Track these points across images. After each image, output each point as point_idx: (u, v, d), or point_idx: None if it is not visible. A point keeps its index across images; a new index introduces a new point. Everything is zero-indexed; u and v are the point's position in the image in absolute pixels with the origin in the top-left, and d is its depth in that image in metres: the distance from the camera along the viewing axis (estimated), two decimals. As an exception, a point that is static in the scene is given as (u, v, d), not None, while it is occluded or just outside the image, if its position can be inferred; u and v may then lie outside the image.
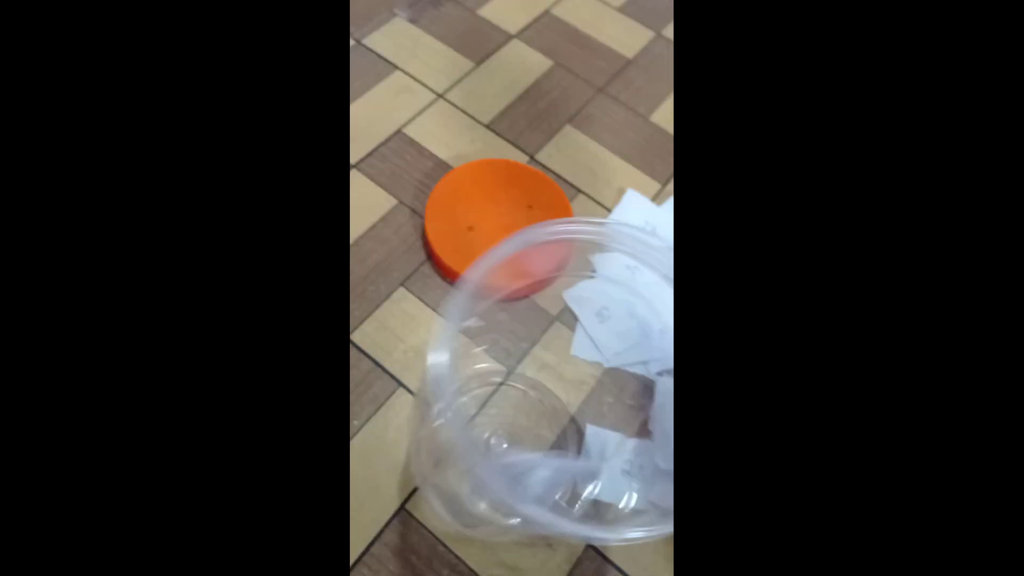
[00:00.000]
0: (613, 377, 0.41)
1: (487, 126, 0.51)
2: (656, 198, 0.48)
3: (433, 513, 0.35)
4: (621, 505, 0.37)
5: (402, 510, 0.36)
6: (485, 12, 0.57)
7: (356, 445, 0.37)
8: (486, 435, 0.38)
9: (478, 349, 0.41)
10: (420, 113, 0.51)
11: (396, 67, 0.53)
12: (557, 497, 0.36)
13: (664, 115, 0.53)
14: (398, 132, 0.50)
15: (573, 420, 0.39)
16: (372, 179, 0.47)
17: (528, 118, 0.52)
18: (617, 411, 0.40)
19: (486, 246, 0.42)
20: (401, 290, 0.43)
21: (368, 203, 0.46)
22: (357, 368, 0.40)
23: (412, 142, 0.49)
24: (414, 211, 0.46)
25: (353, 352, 0.40)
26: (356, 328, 0.41)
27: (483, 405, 0.39)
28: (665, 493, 0.37)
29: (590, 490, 0.37)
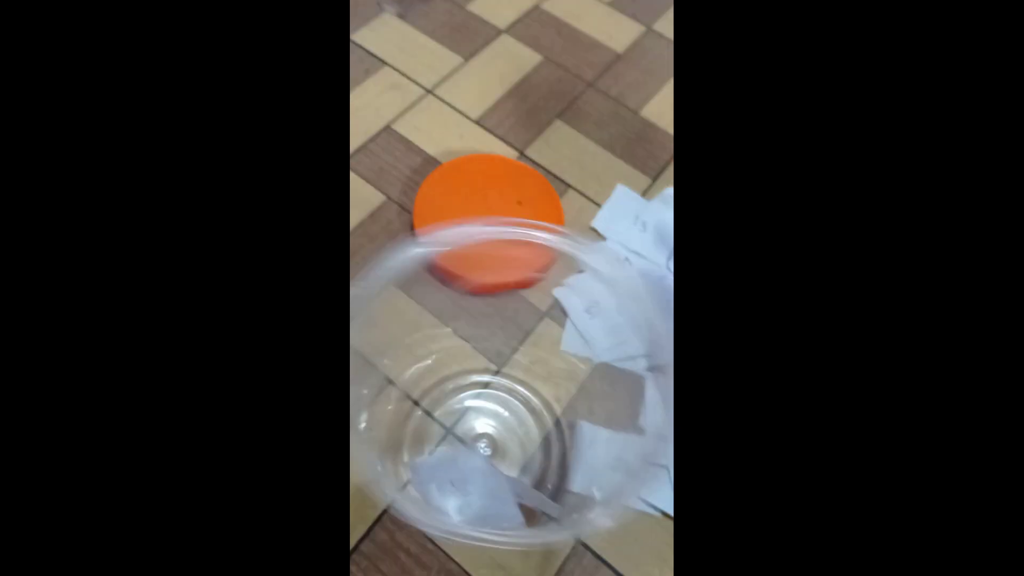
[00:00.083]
0: (603, 373, 0.41)
1: (476, 121, 0.51)
2: (646, 193, 0.48)
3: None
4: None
5: (391, 507, 0.36)
6: (474, 7, 0.57)
7: (345, 443, 0.37)
8: (472, 436, 0.38)
9: (467, 347, 0.41)
10: (408, 109, 0.51)
11: (384, 63, 0.53)
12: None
13: (654, 109, 0.52)
14: (386, 128, 0.49)
15: (560, 418, 0.39)
16: (360, 175, 0.47)
17: (517, 113, 0.51)
18: (607, 407, 0.39)
19: (477, 244, 0.42)
20: (391, 288, 0.43)
21: (356, 199, 0.46)
22: (346, 366, 0.39)
23: (401, 138, 0.49)
24: (402, 207, 0.46)
25: (341, 350, 0.40)
26: (344, 326, 0.41)
27: (468, 407, 0.39)
28: (655, 490, 0.36)
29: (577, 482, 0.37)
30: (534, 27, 0.56)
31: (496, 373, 0.40)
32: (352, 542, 0.35)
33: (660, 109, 0.52)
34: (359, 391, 0.32)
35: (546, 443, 0.38)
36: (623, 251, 0.45)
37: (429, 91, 0.52)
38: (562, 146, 0.50)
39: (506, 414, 0.39)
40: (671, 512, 0.36)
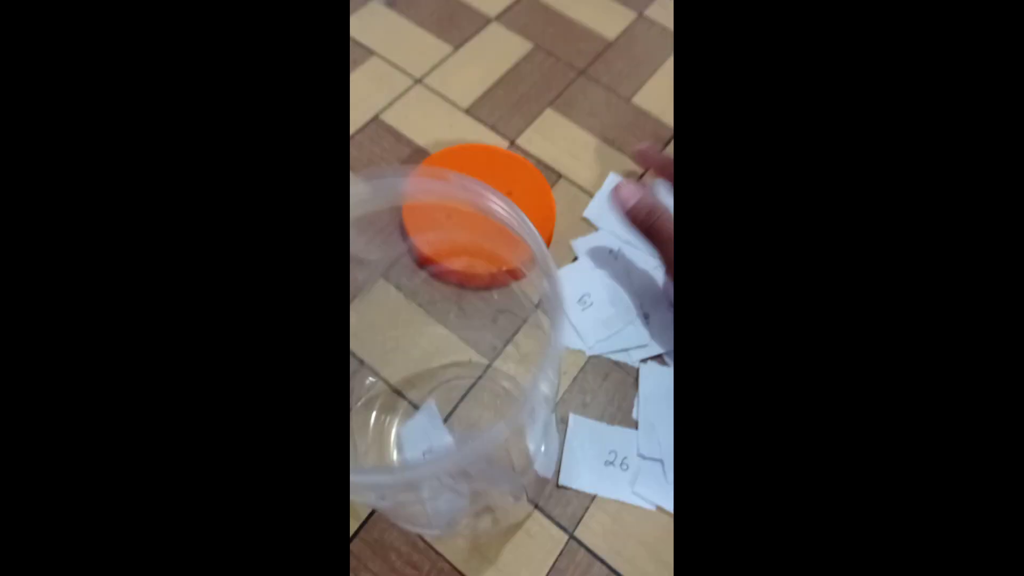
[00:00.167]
0: (596, 366, 0.40)
1: (466, 111, 0.50)
2: (639, 181, 0.47)
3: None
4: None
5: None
6: (463, -5, 0.56)
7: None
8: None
9: (458, 340, 0.40)
10: (397, 99, 0.50)
11: (373, 52, 0.52)
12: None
13: (646, 97, 0.52)
14: (375, 119, 0.49)
15: (553, 412, 0.38)
16: (349, 167, 0.46)
17: (508, 103, 0.50)
18: (600, 400, 0.39)
19: (466, 234, 0.41)
20: (380, 280, 0.42)
21: (344, 192, 0.45)
22: (334, 362, 0.39)
23: (390, 129, 0.48)
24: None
25: (329, 345, 0.39)
26: (332, 321, 0.40)
27: (460, 400, 0.38)
28: (649, 483, 0.36)
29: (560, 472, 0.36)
30: (524, 15, 0.55)
31: (488, 366, 0.39)
32: (341, 541, 0.34)
33: (653, 97, 0.52)
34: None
35: (543, 440, 0.37)
36: (615, 241, 0.44)
37: (418, 81, 0.51)
38: (553, 135, 0.49)
39: (495, 409, 0.38)
40: (665, 506, 0.35)
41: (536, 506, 0.36)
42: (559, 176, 0.47)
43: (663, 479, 0.36)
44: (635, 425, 0.38)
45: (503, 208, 0.28)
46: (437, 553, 0.34)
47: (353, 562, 0.34)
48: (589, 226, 0.45)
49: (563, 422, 0.38)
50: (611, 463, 0.37)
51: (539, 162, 0.48)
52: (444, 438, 0.36)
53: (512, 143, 0.49)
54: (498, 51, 0.53)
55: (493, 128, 0.49)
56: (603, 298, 0.42)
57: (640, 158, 0.46)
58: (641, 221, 0.39)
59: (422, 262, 0.42)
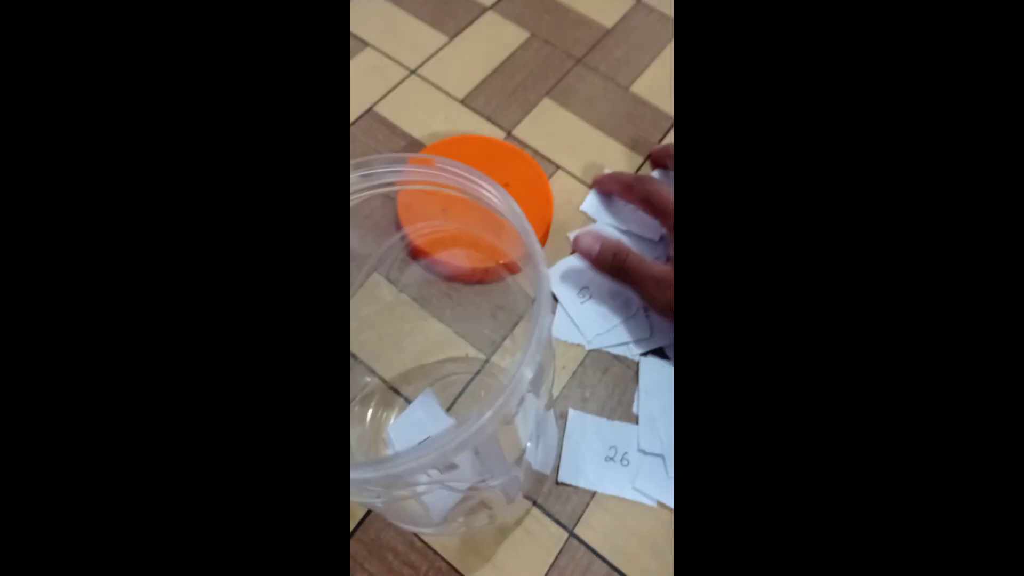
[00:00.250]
0: (595, 360, 0.39)
1: (462, 102, 0.49)
2: (638, 171, 0.47)
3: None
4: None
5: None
6: (458, -17, 0.55)
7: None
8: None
9: (455, 335, 0.39)
10: (392, 91, 0.49)
11: (367, 44, 0.51)
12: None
13: (645, 85, 0.51)
14: (369, 111, 0.48)
15: (552, 407, 0.38)
16: (342, 161, 0.45)
17: (504, 93, 0.50)
18: (600, 395, 0.38)
19: (462, 228, 0.41)
20: (375, 276, 0.41)
21: (338, 186, 0.44)
22: (328, 359, 0.38)
23: (384, 121, 0.47)
24: (386, 195, 0.44)
25: (324, 342, 0.39)
26: (327, 317, 0.40)
27: (458, 396, 0.38)
28: (651, 479, 0.35)
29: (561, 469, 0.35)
30: (520, 3, 0.54)
31: (486, 362, 0.39)
32: (337, 541, 0.34)
33: (651, 85, 0.51)
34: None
35: (537, 433, 0.37)
36: (615, 232, 0.43)
37: (413, 71, 0.50)
38: (551, 126, 0.48)
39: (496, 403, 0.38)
40: (667, 501, 0.35)
41: (535, 503, 0.35)
42: (557, 167, 0.46)
43: (664, 474, 0.35)
44: (636, 420, 0.37)
45: (488, 190, 0.27)
46: (435, 552, 0.33)
47: (350, 563, 0.33)
48: (588, 219, 0.44)
49: (562, 417, 0.37)
50: (611, 459, 0.36)
51: (536, 153, 0.47)
52: (446, 425, 0.36)
53: (509, 134, 0.48)
54: (494, 40, 0.52)
55: (489, 119, 0.48)
56: (602, 291, 0.41)
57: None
58: (610, 266, 0.39)
59: (416, 255, 0.42)
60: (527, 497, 0.35)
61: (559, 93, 0.50)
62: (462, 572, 0.33)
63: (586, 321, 0.40)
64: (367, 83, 0.49)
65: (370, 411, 0.37)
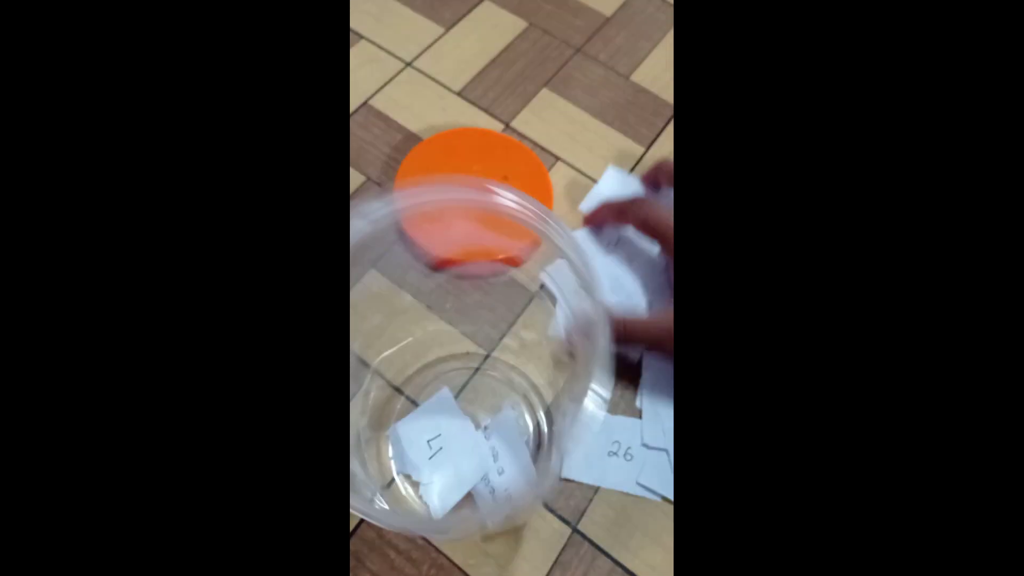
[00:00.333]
0: (597, 354, 0.39)
1: (458, 94, 0.48)
2: (639, 162, 0.46)
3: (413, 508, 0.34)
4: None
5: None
6: (454, -27, 0.54)
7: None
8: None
9: (454, 331, 0.39)
10: (387, 83, 0.48)
11: (361, 36, 0.51)
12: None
13: (645, 73, 0.50)
14: (364, 104, 0.47)
15: (552, 403, 0.37)
16: (338, 156, 0.45)
17: (502, 83, 0.49)
18: (602, 389, 0.38)
19: (461, 223, 0.40)
20: (372, 272, 0.41)
21: (335, 181, 0.44)
22: (328, 356, 0.38)
23: (379, 114, 0.47)
24: (383, 188, 0.44)
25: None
26: (325, 314, 0.39)
27: (460, 391, 0.37)
28: (654, 474, 0.35)
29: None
30: (518, -8, 0.54)
31: (485, 358, 0.38)
32: (339, 540, 0.33)
33: (652, 73, 0.50)
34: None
35: (538, 429, 0.36)
36: (614, 234, 0.43)
37: (408, 64, 0.49)
38: (550, 116, 0.48)
39: (496, 399, 0.37)
40: (671, 496, 0.34)
41: (537, 500, 0.35)
42: (556, 159, 0.46)
43: (669, 469, 0.35)
44: (639, 414, 0.37)
45: (515, 203, 0.27)
46: (437, 550, 0.33)
47: (352, 561, 0.33)
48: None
49: (563, 413, 0.37)
50: (614, 453, 0.36)
51: (535, 145, 0.46)
52: (462, 422, 0.35)
53: (507, 126, 0.47)
54: (490, 30, 0.51)
55: (487, 111, 0.48)
56: (604, 287, 0.40)
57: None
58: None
59: (415, 252, 0.41)
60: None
61: (558, 83, 0.49)
62: (464, 569, 0.33)
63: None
64: (362, 76, 0.48)
65: (369, 409, 0.37)
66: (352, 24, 0.51)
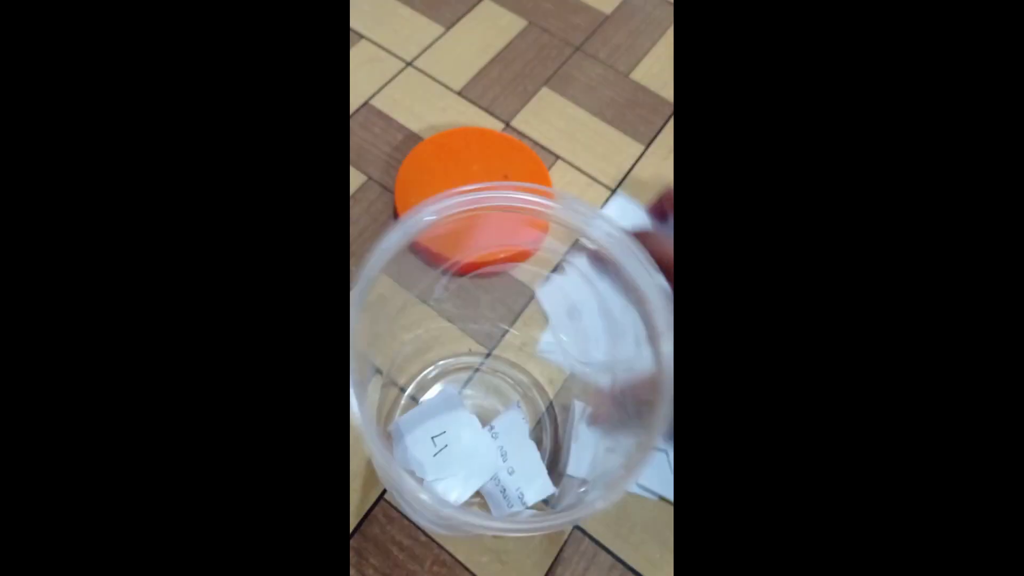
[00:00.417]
0: (598, 351, 0.39)
1: (459, 93, 0.48)
2: (639, 161, 0.46)
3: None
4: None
5: (382, 500, 0.35)
6: (453, -28, 0.54)
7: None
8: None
9: (455, 329, 0.39)
10: (388, 83, 0.49)
11: (362, 36, 0.51)
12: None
13: (645, 72, 0.50)
14: (365, 104, 0.47)
15: (553, 400, 0.38)
16: (340, 156, 0.45)
17: (502, 83, 0.49)
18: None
19: (460, 220, 0.40)
20: (376, 271, 0.41)
21: (336, 181, 0.44)
22: (330, 355, 0.38)
23: (380, 114, 0.47)
24: (384, 187, 0.44)
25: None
26: (328, 313, 0.40)
27: (462, 388, 0.38)
28: (653, 474, 0.35)
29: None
30: (517, -10, 0.54)
31: (487, 356, 0.39)
32: (342, 536, 0.34)
33: (652, 71, 0.50)
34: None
35: (539, 426, 0.37)
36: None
37: (409, 63, 0.50)
38: (550, 115, 0.48)
39: (498, 398, 0.38)
40: (668, 496, 0.35)
41: (538, 496, 0.35)
42: (556, 158, 0.46)
43: (668, 469, 0.35)
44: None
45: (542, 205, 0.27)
46: (439, 546, 0.34)
47: (355, 558, 0.33)
48: (588, 208, 0.44)
49: (564, 409, 0.37)
50: (612, 450, 0.36)
51: (535, 144, 0.47)
52: (468, 420, 0.36)
53: (507, 125, 0.47)
54: (490, 29, 0.52)
55: (487, 110, 0.48)
56: (593, 310, 0.40)
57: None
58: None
59: (416, 249, 0.41)
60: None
61: (558, 82, 0.49)
62: (466, 565, 0.33)
63: (573, 343, 0.39)
64: (363, 76, 0.49)
65: (368, 407, 0.37)
66: (352, 24, 0.51)
